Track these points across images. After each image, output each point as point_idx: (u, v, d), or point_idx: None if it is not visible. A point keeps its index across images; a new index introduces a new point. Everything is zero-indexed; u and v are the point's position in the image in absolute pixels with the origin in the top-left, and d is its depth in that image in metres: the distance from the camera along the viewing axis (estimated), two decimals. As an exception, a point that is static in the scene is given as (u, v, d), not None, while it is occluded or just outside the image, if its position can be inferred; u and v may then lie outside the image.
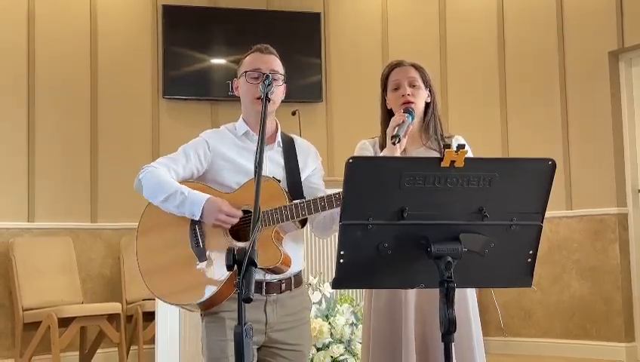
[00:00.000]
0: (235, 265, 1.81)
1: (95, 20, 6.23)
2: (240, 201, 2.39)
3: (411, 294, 2.53)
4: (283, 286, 2.44)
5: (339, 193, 2.29)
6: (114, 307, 5.49)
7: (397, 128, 2.48)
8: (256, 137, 2.50)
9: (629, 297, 5.77)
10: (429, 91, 2.69)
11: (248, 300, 1.76)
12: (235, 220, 2.35)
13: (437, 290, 1.84)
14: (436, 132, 2.67)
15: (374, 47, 6.70)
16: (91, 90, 6.18)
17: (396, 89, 2.65)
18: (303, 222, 2.44)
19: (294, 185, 2.48)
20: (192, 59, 6.51)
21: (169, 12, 6.44)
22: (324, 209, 2.32)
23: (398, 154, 2.47)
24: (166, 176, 2.42)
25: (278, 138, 2.55)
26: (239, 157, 2.49)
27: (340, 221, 1.82)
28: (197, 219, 2.37)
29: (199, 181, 2.50)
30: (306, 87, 6.60)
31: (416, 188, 1.80)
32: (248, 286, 1.77)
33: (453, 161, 1.78)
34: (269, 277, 2.39)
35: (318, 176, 2.60)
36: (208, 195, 2.38)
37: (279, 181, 2.41)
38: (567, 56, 6.11)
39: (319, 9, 6.75)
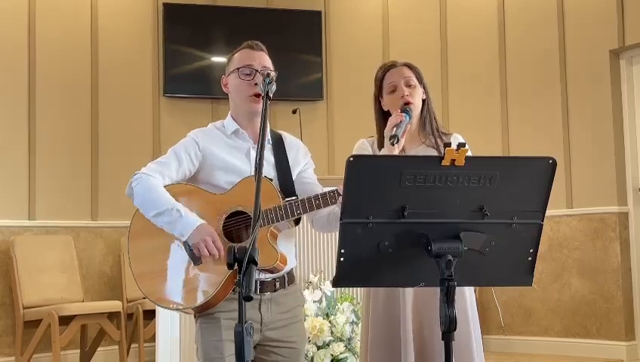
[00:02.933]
0: (236, 264, 1.80)
1: (96, 18, 6.23)
2: (232, 202, 2.37)
3: (409, 292, 2.53)
4: (277, 284, 2.42)
5: (333, 190, 2.29)
6: (114, 305, 5.49)
7: (395, 128, 2.48)
8: (246, 135, 2.48)
9: (629, 296, 5.77)
10: (424, 88, 2.70)
11: (249, 298, 1.75)
12: (216, 253, 2.29)
13: (434, 289, 1.84)
14: (432, 128, 2.68)
15: (375, 45, 6.70)
16: (92, 88, 6.18)
17: (393, 91, 2.65)
18: (297, 221, 2.43)
19: (286, 183, 2.45)
20: (192, 57, 6.51)
21: (169, 10, 6.44)
22: (318, 207, 2.30)
23: (396, 153, 2.47)
24: (159, 188, 2.37)
25: (268, 135, 2.51)
26: (230, 156, 2.45)
27: (341, 219, 1.82)
28: (183, 239, 2.32)
29: (190, 182, 2.46)
30: (306, 85, 6.60)
31: (417, 187, 1.80)
32: (249, 284, 1.77)
33: (453, 160, 1.78)
34: (263, 275, 2.37)
35: (311, 170, 2.58)
36: (202, 221, 2.32)
37: (271, 180, 2.40)
38: (568, 55, 6.11)
39: (320, 7, 6.75)
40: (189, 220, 2.32)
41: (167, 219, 2.33)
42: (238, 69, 2.47)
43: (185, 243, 2.35)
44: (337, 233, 1.86)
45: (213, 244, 2.29)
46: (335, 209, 2.37)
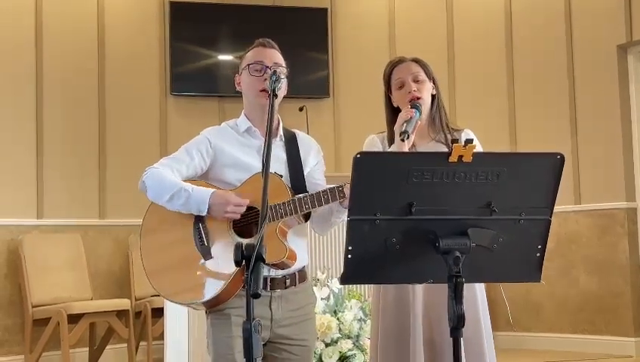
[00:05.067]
0: (244, 261, 1.80)
1: (102, 17, 6.24)
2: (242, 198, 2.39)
3: (419, 292, 2.52)
4: (287, 281, 2.43)
5: (341, 185, 2.28)
6: (123, 303, 5.50)
7: (405, 124, 2.47)
8: (258, 133, 2.50)
9: (638, 292, 5.75)
10: (433, 83, 2.68)
11: (257, 296, 1.76)
12: (243, 208, 2.34)
13: (445, 288, 1.83)
14: (442, 123, 2.67)
15: (381, 43, 6.69)
16: (99, 87, 6.19)
17: (401, 87, 2.64)
18: (307, 217, 2.43)
19: (297, 180, 2.46)
20: (199, 55, 6.52)
21: (176, 8, 6.44)
22: (327, 202, 2.30)
23: (406, 150, 2.46)
24: (169, 176, 2.41)
25: (280, 132, 2.54)
26: (242, 154, 2.47)
27: (348, 216, 1.82)
28: (204, 214, 2.35)
29: (202, 179, 2.49)
30: (312, 82, 6.60)
31: (424, 183, 1.80)
32: (256, 281, 1.77)
33: (461, 156, 1.77)
34: (273, 273, 2.39)
35: (320, 171, 2.59)
36: (213, 189, 2.37)
37: (281, 176, 2.41)
38: (576, 50, 6.09)
39: (326, 5, 6.74)
40: (199, 194, 2.35)
41: (179, 201, 2.37)
42: (249, 65, 2.50)
43: (195, 236, 2.37)
44: (345, 230, 1.86)
45: (235, 207, 2.33)
46: (331, 205, 2.37)
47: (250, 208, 2.38)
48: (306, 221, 2.46)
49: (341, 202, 2.32)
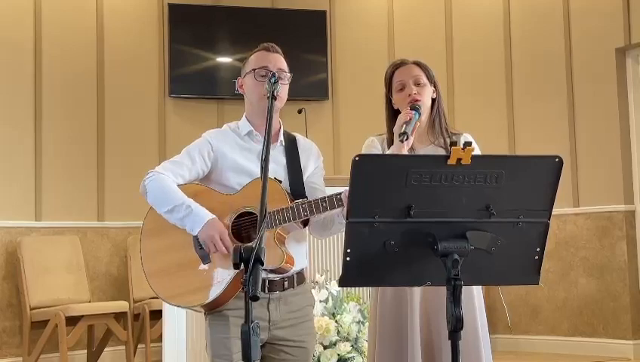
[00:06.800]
0: (242, 263, 1.81)
1: (101, 19, 6.24)
2: (242, 202, 2.40)
3: (416, 293, 2.53)
4: (286, 283, 2.44)
5: (340, 193, 2.29)
6: (121, 305, 5.50)
7: (404, 125, 2.48)
8: (259, 137, 2.50)
9: (636, 294, 5.75)
10: (434, 87, 2.69)
11: (255, 298, 1.76)
12: (224, 250, 2.33)
13: (442, 289, 1.83)
14: (442, 127, 2.67)
15: (380, 45, 6.69)
16: (98, 89, 6.19)
17: (402, 89, 2.64)
18: (305, 223, 2.44)
19: (296, 185, 2.47)
20: (197, 57, 6.52)
21: (174, 10, 6.44)
22: (325, 210, 2.31)
23: (405, 151, 2.46)
24: (172, 185, 2.42)
25: (281, 137, 2.54)
26: (242, 158, 2.48)
27: (347, 219, 1.82)
28: (194, 234, 2.36)
29: (202, 183, 2.49)
30: (312, 85, 6.60)
31: (423, 186, 1.80)
32: (255, 284, 1.77)
33: (459, 159, 1.78)
34: (271, 275, 2.40)
35: (319, 175, 2.59)
36: (213, 216, 2.36)
37: (280, 181, 2.41)
38: (574, 53, 6.10)
39: (325, 7, 6.75)
40: (199, 215, 2.36)
41: (178, 215, 2.38)
42: (254, 70, 2.51)
43: (194, 240, 2.38)
44: (343, 233, 1.86)
45: (221, 242, 2.33)
46: (332, 213, 2.37)
47: (248, 213, 2.39)
48: (304, 226, 2.46)
49: (342, 210, 2.31)
